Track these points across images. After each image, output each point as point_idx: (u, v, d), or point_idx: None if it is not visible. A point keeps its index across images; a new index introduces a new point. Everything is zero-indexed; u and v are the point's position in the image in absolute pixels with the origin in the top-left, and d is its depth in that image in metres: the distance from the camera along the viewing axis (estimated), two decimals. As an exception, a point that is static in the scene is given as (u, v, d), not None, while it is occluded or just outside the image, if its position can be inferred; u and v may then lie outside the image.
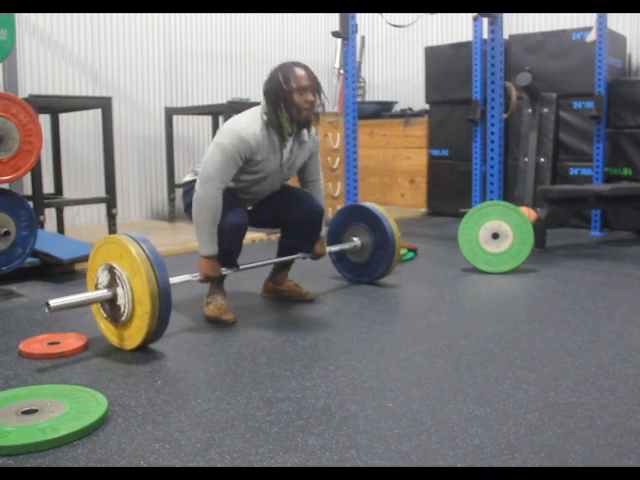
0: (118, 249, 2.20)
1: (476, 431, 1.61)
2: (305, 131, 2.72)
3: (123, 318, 2.19)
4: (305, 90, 2.53)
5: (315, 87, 2.57)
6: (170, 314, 2.20)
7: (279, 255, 2.95)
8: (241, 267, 2.72)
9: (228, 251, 2.60)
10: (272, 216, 2.85)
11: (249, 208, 2.79)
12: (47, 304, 2.10)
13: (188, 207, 2.66)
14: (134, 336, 2.19)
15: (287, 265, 3.00)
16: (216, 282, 2.70)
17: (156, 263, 2.14)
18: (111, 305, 2.23)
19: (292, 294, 2.96)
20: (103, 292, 2.22)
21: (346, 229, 3.25)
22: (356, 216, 3.23)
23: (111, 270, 2.20)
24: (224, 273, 2.63)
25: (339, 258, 3.31)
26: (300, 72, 2.53)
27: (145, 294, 2.11)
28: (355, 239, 3.20)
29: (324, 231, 2.98)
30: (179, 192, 5.61)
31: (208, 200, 2.46)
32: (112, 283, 2.21)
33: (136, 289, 2.14)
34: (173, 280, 2.32)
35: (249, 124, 2.53)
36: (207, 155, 2.52)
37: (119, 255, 2.19)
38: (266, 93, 2.56)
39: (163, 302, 2.13)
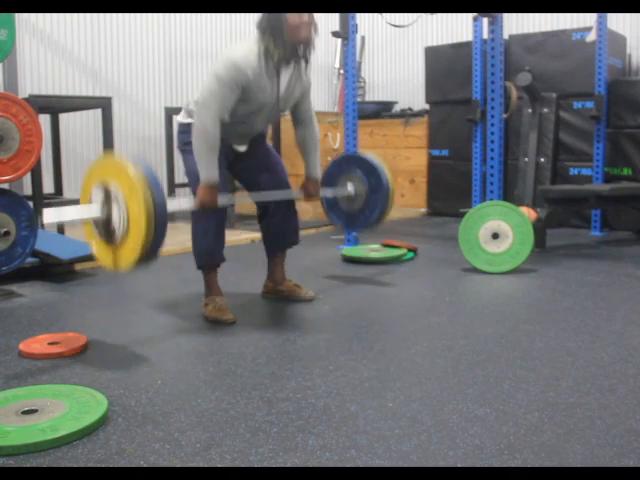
0: (114, 168, 2.13)
1: (476, 431, 1.61)
2: (303, 65, 2.71)
3: (117, 237, 2.11)
4: (300, 14, 2.54)
5: (309, 17, 2.59)
6: (165, 235, 2.13)
7: (263, 231, 2.94)
8: (236, 196, 2.70)
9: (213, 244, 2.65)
10: (253, 181, 2.84)
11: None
12: (40, 214, 2.03)
13: (180, 144, 2.71)
14: (128, 256, 2.12)
15: (281, 262, 2.98)
16: (211, 276, 2.71)
17: (153, 182, 2.07)
18: (105, 224, 2.15)
19: (292, 294, 2.96)
20: (97, 209, 2.14)
21: (340, 178, 3.16)
22: (350, 165, 3.15)
23: (106, 189, 2.12)
24: (220, 204, 2.57)
25: (332, 207, 3.21)
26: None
27: (141, 213, 2.03)
28: (349, 184, 3.11)
29: (318, 166, 2.96)
30: (179, 192, 5.63)
31: (206, 128, 2.45)
32: (107, 202, 2.13)
33: (132, 208, 2.06)
34: (171, 205, 2.26)
35: (245, 53, 2.51)
36: (204, 85, 2.51)
37: (115, 174, 2.11)
38: (260, 23, 2.55)
39: (159, 222, 2.07)
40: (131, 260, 2.11)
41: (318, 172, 2.94)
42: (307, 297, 2.94)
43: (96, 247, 2.27)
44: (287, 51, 2.54)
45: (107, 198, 2.13)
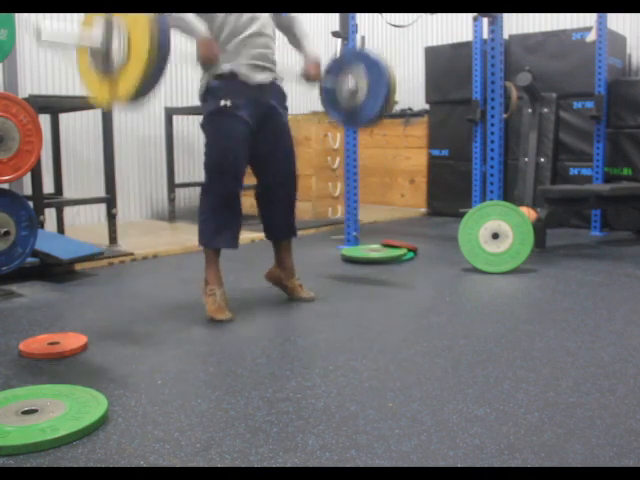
0: None
1: (476, 431, 1.61)
2: None
3: (116, 66, 2.06)
4: None
5: None
6: (167, 62, 2.07)
7: (259, 205, 2.96)
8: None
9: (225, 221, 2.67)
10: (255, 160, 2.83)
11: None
12: (37, 30, 1.98)
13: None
14: (128, 80, 2.05)
15: (288, 249, 2.97)
16: (213, 263, 2.70)
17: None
18: (104, 53, 2.08)
19: (293, 293, 2.96)
20: (98, 36, 2.07)
21: (340, 73, 3.08)
22: (351, 60, 3.09)
23: (108, 17, 2.06)
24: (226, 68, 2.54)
25: (332, 101, 3.14)
26: None
27: (144, 38, 1.98)
28: (350, 77, 3.03)
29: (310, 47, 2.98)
30: (179, 192, 5.63)
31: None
32: (108, 31, 2.07)
33: (134, 32, 2.01)
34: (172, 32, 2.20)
35: None
36: None
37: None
38: None
39: (161, 48, 2.01)
40: (129, 90, 2.04)
41: (317, 55, 2.95)
42: (308, 298, 2.94)
43: (92, 81, 2.18)
44: None
45: (109, 26, 2.06)
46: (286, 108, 2.87)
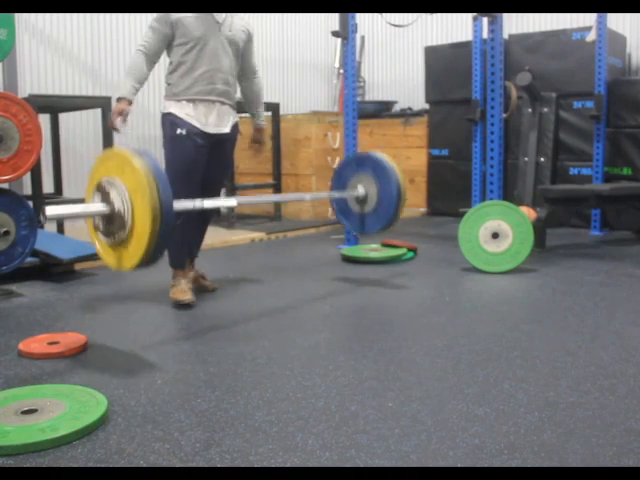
0: (120, 162, 2.07)
1: (476, 431, 1.61)
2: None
3: (120, 237, 2.07)
4: None
5: None
6: (171, 234, 2.08)
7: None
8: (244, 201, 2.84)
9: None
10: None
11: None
12: (43, 213, 2.00)
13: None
14: (132, 256, 2.07)
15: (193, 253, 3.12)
16: (180, 268, 2.91)
17: (159, 178, 2.00)
18: (108, 221, 2.09)
19: (196, 282, 3.10)
20: (101, 205, 2.08)
21: (351, 178, 3.13)
22: (361, 165, 3.11)
23: (111, 184, 2.06)
24: (223, 208, 2.68)
25: (342, 209, 3.18)
26: None
27: (146, 211, 1.97)
28: (359, 186, 3.08)
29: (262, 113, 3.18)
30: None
31: (134, 60, 2.85)
32: (110, 200, 2.07)
33: (137, 206, 2.00)
34: (178, 205, 2.23)
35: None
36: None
37: (120, 169, 2.06)
38: None
39: (164, 221, 1.99)
40: (134, 261, 2.06)
41: (264, 121, 3.24)
42: (210, 288, 3.10)
43: (99, 246, 2.22)
44: None
45: (110, 195, 2.07)
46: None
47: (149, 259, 2.06)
